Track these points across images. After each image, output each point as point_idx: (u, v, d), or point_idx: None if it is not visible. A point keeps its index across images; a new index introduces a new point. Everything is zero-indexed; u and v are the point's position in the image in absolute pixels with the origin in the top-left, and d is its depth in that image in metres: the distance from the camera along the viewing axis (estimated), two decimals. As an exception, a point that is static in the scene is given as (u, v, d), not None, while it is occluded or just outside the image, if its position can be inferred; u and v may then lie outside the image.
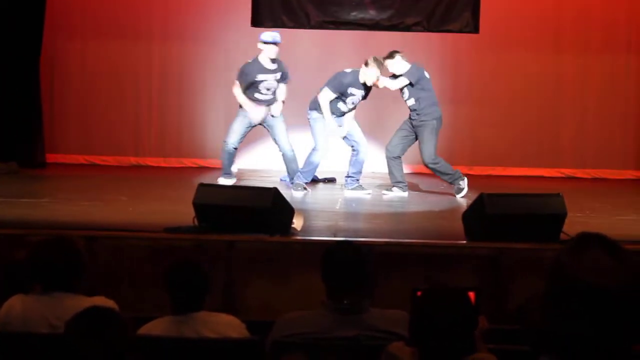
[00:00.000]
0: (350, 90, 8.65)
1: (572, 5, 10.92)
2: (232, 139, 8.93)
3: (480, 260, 5.86)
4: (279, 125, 8.97)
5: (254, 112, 8.78)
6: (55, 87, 11.15)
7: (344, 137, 8.96)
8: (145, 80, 11.09)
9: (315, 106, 8.76)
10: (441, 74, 10.44)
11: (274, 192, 6.14)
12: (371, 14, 10.24)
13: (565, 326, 1.72)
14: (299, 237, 6.17)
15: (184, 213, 6.38)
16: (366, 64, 8.52)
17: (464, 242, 6.11)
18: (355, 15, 10.04)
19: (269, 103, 8.90)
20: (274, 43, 8.77)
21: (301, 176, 8.85)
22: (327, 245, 3.95)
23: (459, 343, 2.89)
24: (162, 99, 10.71)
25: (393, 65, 8.64)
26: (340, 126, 8.83)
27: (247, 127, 9.02)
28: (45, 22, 10.56)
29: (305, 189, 8.78)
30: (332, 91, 8.63)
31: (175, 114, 11.10)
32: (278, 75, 8.89)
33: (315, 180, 9.34)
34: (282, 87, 8.98)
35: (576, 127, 11.16)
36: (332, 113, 8.71)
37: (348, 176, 8.94)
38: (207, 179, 9.48)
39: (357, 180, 8.92)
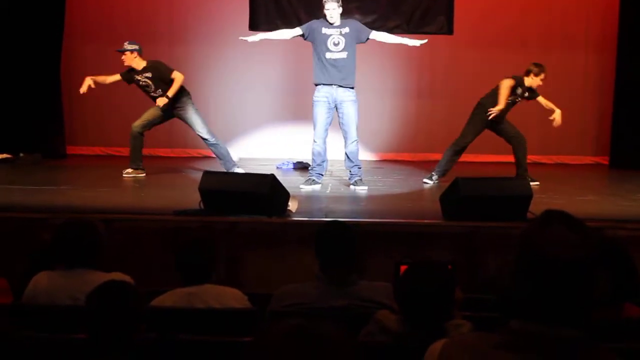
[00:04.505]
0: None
1: (537, 9, 10.92)
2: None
3: (456, 238, 5.88)
4: (190, 118, 8.70)
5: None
6: (73, 86, 11.03)
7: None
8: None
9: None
10: (420, 71, 10.46)
11: (271, 178, 6.15)
12: (357, 17, 10.20)
13: (532, 293, 1.73)
14: (294, 218, 6.17)
15: (191, 198, 6.39)
16: None
17: (441, 221, 6.12)
18: (342, 19, 9.97)
19: (154, 98, 8.63)
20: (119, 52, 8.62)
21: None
22: (319, 225, 3.96)
23: (440, 310, 2.90)
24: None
25: None
26: None
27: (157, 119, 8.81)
28: (65, 28, 10.55)
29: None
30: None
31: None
32: (148, 74, 8.59)
33: (305, 167, 9.25)
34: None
35: (540, 118, 11.14)
36: None
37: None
38: (211, 167, 9.49)
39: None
